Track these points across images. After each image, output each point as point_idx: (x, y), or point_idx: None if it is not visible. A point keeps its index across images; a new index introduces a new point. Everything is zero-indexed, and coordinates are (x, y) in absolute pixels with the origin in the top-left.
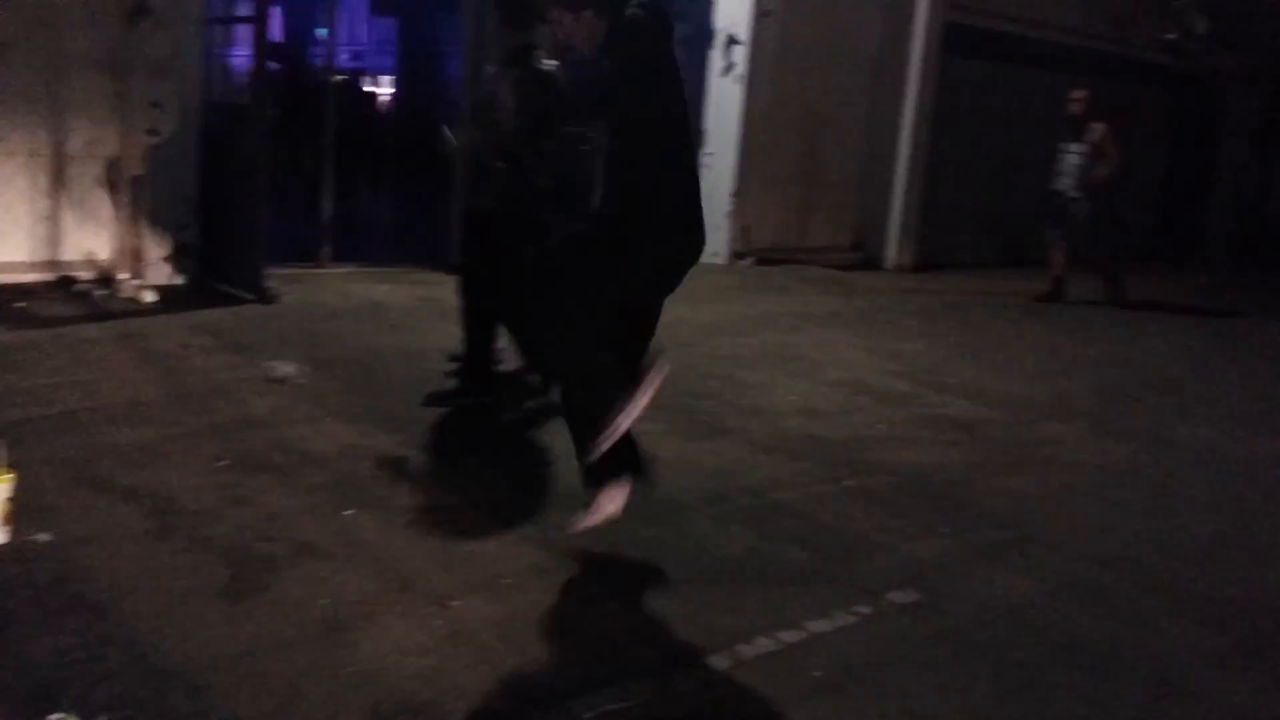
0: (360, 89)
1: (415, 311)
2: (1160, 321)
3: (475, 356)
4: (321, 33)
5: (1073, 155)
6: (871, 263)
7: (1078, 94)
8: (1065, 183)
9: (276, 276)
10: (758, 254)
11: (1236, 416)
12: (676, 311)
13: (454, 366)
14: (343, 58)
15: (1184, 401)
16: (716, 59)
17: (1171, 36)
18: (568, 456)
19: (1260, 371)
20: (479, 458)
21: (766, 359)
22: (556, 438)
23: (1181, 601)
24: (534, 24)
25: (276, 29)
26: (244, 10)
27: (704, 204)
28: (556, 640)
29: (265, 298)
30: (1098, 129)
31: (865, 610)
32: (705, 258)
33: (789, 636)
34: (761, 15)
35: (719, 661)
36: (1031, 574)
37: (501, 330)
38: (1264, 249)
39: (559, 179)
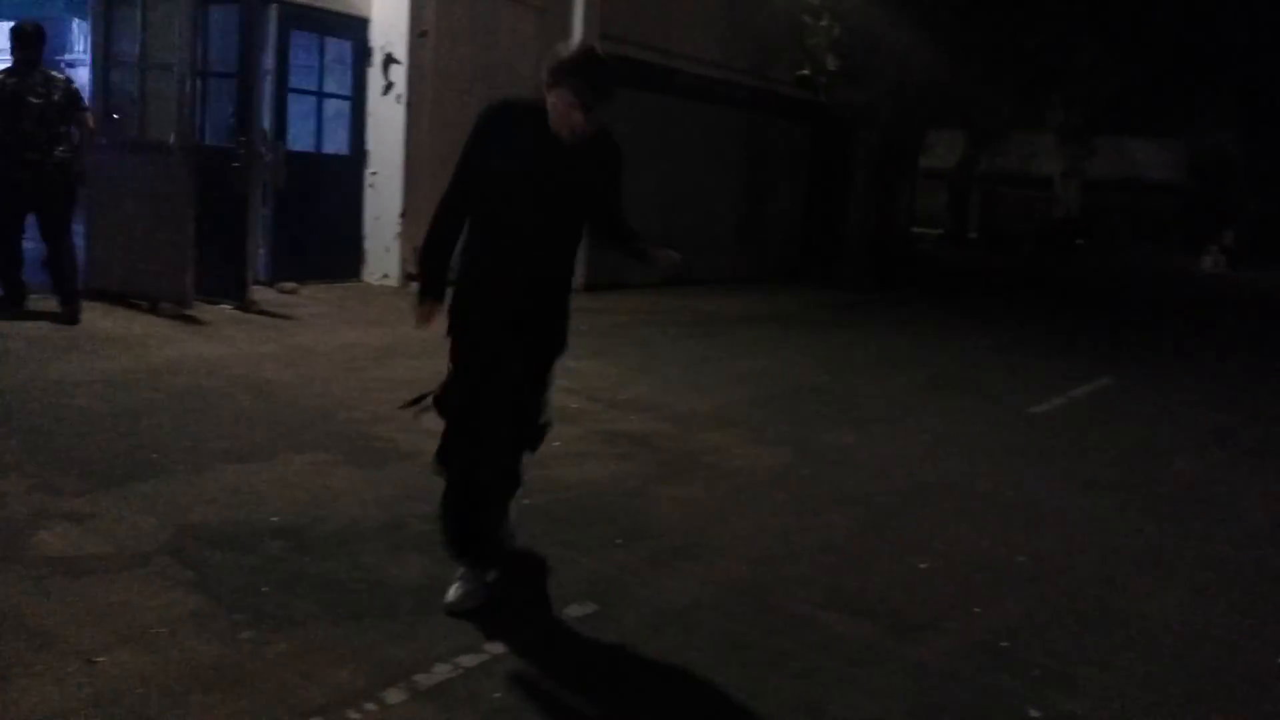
0: None
1: None
2: (800, 334)
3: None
4: None
5: None
6: None
7: None
8: None
9: None
10: None
11: (872, 420)
12: (349, 335)
13: None
14: None
15: (825, 408)
16: (376, 78)
17: (805, 72)
18: (228, 494)
19: (891, 377)
20: (117, 495)
21: None
22: (252, 476)
23: (830, 594)
24: None
25: None
26: None
27: (373, 226)
28: (217, 690)
29: None
30: None
31: (544, 627)
32: (375, 280)
33: (468, 661)
34: (419, 35)
35: (395, 695)
36: (699, 578)
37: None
38: (891, 269)
39: None
